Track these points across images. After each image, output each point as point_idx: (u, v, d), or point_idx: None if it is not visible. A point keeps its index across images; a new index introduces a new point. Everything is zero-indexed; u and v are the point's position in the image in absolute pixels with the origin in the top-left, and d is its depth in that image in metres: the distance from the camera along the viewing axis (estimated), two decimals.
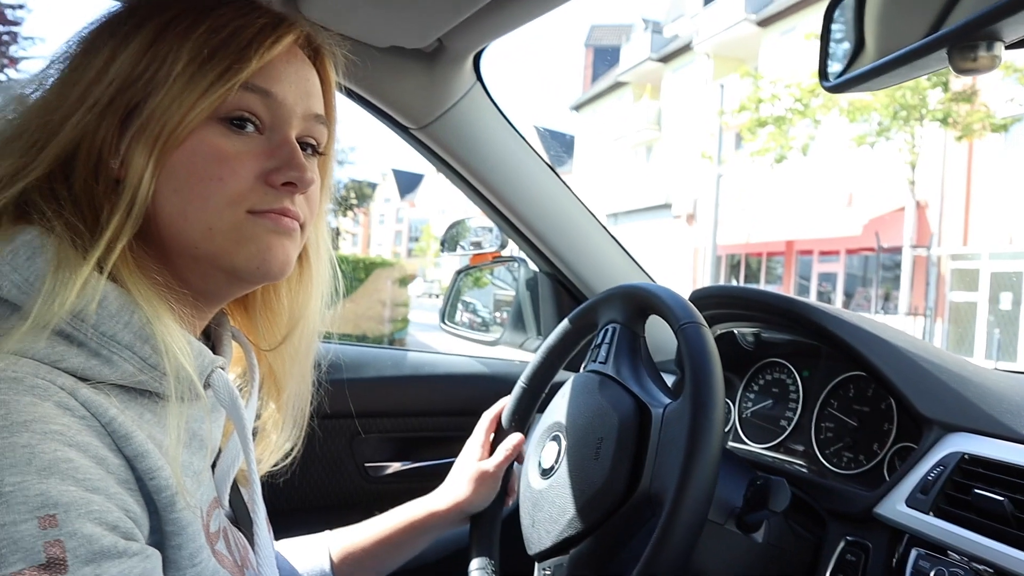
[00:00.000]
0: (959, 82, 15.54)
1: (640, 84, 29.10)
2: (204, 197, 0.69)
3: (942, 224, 18.31)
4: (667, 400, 0.97)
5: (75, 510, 0.55)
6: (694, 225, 24.22)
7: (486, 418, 1.24)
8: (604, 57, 38.24)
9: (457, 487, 1.16)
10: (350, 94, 1.40)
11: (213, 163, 0.69)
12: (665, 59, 27.62)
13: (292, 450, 0.94)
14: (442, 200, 64.60)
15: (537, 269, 1.70)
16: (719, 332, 1.36)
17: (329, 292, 0.89)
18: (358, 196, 20.45)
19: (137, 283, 0.66)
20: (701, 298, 1.29)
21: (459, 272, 1.87)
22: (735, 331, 1.36)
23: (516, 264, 1.71)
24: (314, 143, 0.79)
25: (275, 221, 0.72)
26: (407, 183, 76.04)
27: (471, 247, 1.73)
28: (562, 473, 1.01)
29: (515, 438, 1.19)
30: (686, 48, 26.02)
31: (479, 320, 1.90)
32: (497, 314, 1.83)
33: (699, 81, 24.89)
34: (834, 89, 0.78)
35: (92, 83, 0.68)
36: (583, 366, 1.11)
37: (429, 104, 1.40)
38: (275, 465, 0.93)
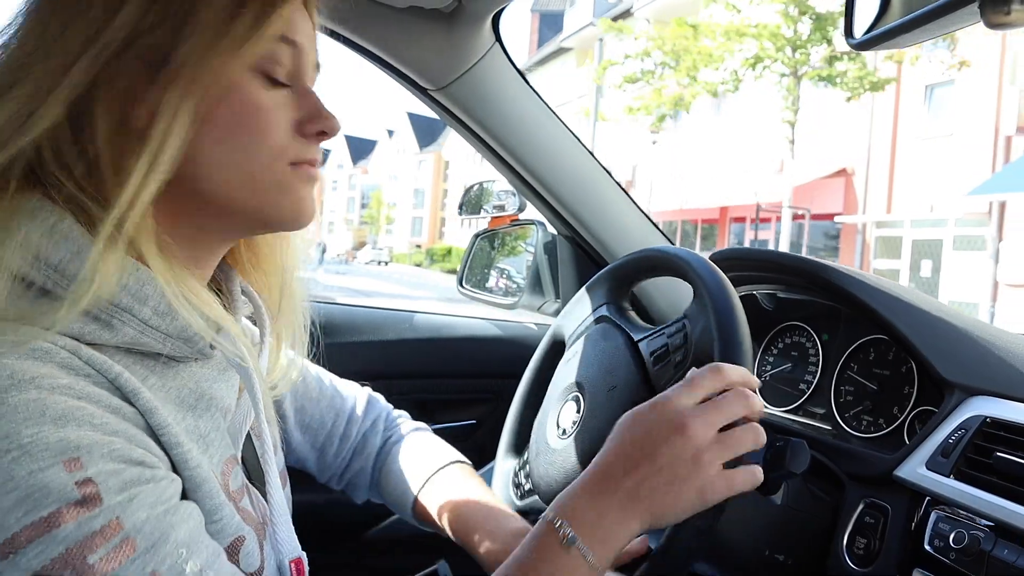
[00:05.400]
0: (842, 41, 15.65)
1: (583, 50, 28.83)
2: (249, 150, 0.68)
3: (868, 192, 18.69)
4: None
5: (97, 450, 0.56)
6: (633, 191, 24.15)
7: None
8: (549, 22, 38.15)
9: None
10: (368, 55, 1.39)
11: (254, 115, 0.68)
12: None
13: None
14: (393, 167, 65.06)
15: (555, 232, 1.69)
16: (739, 295, 1.36)
17: None
18: None
19: (146, 244, 0.64)
20: (721, 260, 1.28)
21: (477, 235, 1.86)
22: (755, 294, 1.35)
23: (534, 227, 1.70)
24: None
25: (308, 171, 0.73)
26: (359, 149, 76.34)
27: (494, 211, 1.72)
28: (583, 427, 1.00)
29: None
30: (627, 13, 25.45)
31: (496, 283, 1.89)
32: (515, 277, 1.83)
33: (639, 46, 24.72)
34: (860, 47, 0.76)
35: (103, 22, 0.63)
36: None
37: (448, 65, 1.39)
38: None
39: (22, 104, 0.61)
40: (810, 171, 18.53)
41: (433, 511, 1.04)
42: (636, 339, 1.02)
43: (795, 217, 19.19)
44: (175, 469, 0.64)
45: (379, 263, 45.48)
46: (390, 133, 72.50)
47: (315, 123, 0.72)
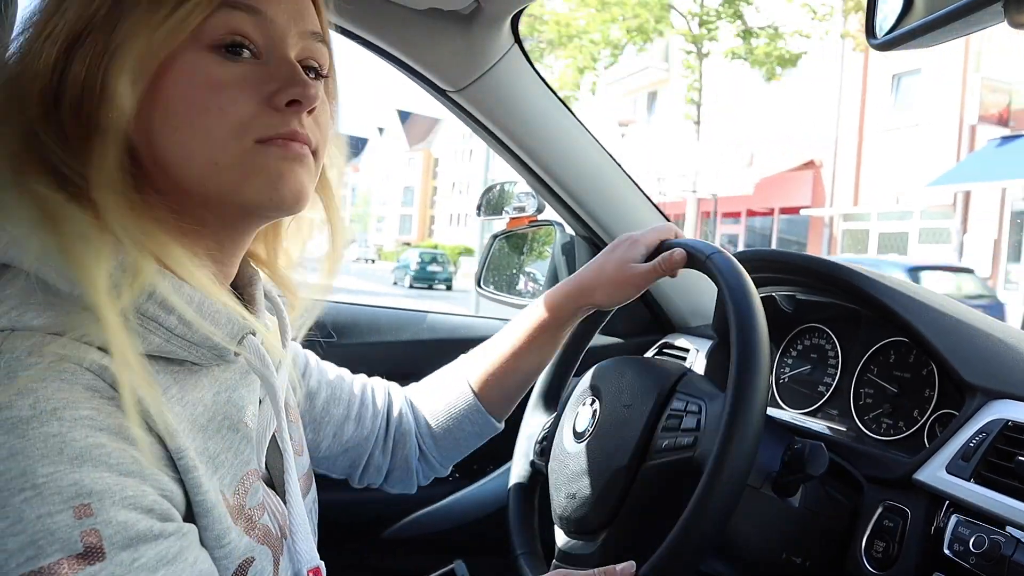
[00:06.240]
0: (754, 19, 15.70)
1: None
2: (206, 130, 0.65)
3: (835, 184, 18.70)
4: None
5: (109, 497, 0.55)
6: None
7: (659, 233, 1.09)
8: None
9: (597, 275, 1.08)
10: (387, 56, 1.39)
11: (209, 93, 0.65)
12: None
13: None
14: (384, 164, 65.64)
15: (573, 233, 1.69)
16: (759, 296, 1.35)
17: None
18: None
19: (163, 246, 0.64)
20: (740, 262, 1.27)
21: (495, 236, 1.87)
22: (775, 295, 1.34)
23: (553, 228, 1.70)
24: (316, 65, 0.75)
25: (284, 147, 0.68)
26: (351, 147, 76.97)
27: (514, 212, 1.72)
28: (597, 433, 1.00)
29: (676, 253, 1.03)
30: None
31: (515, 284, 1.89)
32: (534, 278, 1.83)
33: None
34: (882, 47, 0.76)
35: (50, 15, 0.63)
36: None
37: (467, 67, 1.39)
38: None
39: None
40: (777, 163, 18.51)
41: (490, 369, 1.12)
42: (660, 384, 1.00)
43: (704, 214, 19.04)
44: (187, 494, 0.63)
45: (366, 260, 47.71)
46: (381, 131, 72.87)
47: (285, 92, 0.67)
